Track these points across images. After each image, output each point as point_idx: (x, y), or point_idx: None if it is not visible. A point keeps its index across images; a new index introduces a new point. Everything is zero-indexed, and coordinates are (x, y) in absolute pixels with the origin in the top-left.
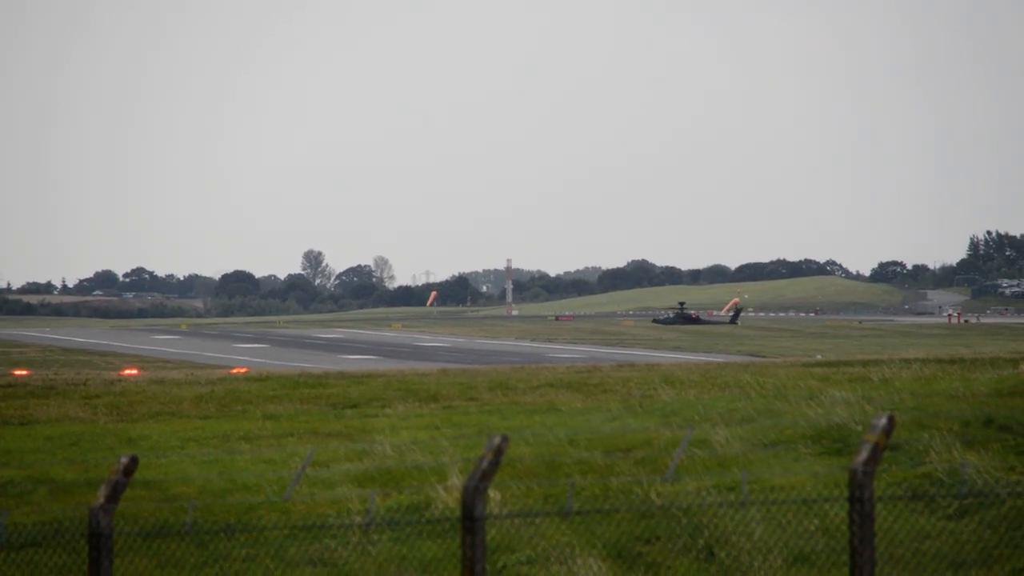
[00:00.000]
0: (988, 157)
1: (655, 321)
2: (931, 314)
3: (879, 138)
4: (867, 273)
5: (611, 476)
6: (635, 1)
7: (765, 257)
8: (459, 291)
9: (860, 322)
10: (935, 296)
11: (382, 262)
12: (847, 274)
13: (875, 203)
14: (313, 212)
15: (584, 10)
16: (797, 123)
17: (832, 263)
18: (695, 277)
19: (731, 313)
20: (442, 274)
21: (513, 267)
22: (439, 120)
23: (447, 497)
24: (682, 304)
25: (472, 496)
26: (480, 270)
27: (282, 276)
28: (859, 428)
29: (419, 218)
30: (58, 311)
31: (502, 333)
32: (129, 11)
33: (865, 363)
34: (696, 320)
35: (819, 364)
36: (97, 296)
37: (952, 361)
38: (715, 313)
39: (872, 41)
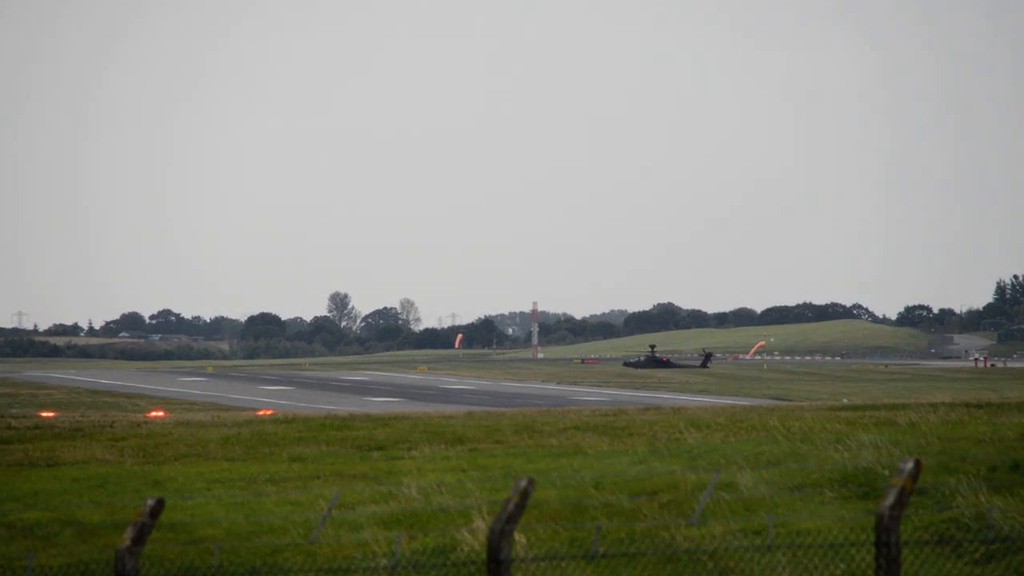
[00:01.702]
0: (1015, 201)
1: (625, 364)
2: (957, 358)
3: (906, 182)
4: (893, 317)
5: (637, 519)
6: (663, 34)
7: (791, 300)
8: (485, 334)
9: (886, 366)
10: (962, 340)
11: (408, 304)
12: (873, 318)
13: (902, 247)
14: (339, 254)
15: (614, 48)
16: (824, 166)
17: (858, 307)
18: (721, 320)
19: (703, 356)
20: (468, 317)
21: (539, 310)
22: (465, 163)
23: (473, 540)
24: (652, 347)
25: (498, 539)
26: (506, 312)
27: (308, 318)
28: (886, 472)
29: (445, 260)
30: (84, 353)
31: (528, 376)
32: (160, 48)
33: (892, 407)
34: (667, 363)
35: (846, 408)
36: (123, 338)
37: (979, 405)
38: (700, 354)
39: (900, 83)
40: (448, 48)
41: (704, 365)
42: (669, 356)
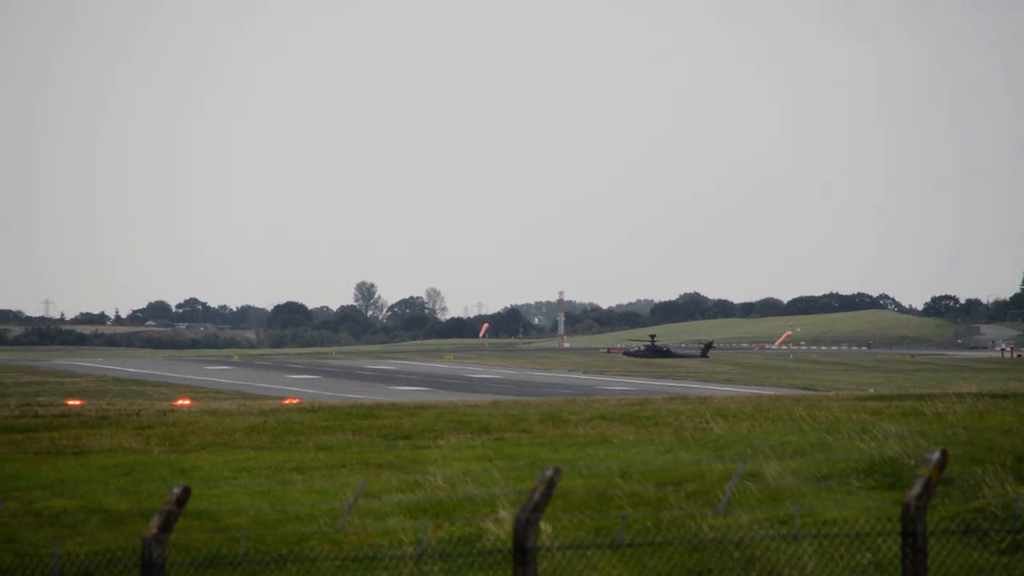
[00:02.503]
0: None
1: (626, 354)
2: (984, 348)
3: (933, 172)
4: (920, 307)
5: (663, 509)
6: (695, 39)
7: (818, 290)
8: (511, 323)
9: (912, 356)
10: (988, 330)
11: (434, 294)
12: (900, 308)
13: (928, 237)
14: (366, 244)
15: (635, 33)
16: (851, 157)
17: (885, 297)
18: (747, 310)
19: (702, 346)
20: (494, 306)
21: (565, 299)
22: (492, 153)
23: (499, 529)
24: (653, 337)
25: (524, 528)
26: (532, 302)
27: (334, 307)
28: (912, 462)
29: (472, 250)
30: (111, 341)
31: (554, 365)
32: (186, 36)
33: (918, 397)
34: (667, 353)
35: (872, 398)
36: (150, 327)
37: (1006, 396)
38: (688, 344)
39: (927, 73)
40: (473, 34)
41: (704, 355)
42: (668, 346)
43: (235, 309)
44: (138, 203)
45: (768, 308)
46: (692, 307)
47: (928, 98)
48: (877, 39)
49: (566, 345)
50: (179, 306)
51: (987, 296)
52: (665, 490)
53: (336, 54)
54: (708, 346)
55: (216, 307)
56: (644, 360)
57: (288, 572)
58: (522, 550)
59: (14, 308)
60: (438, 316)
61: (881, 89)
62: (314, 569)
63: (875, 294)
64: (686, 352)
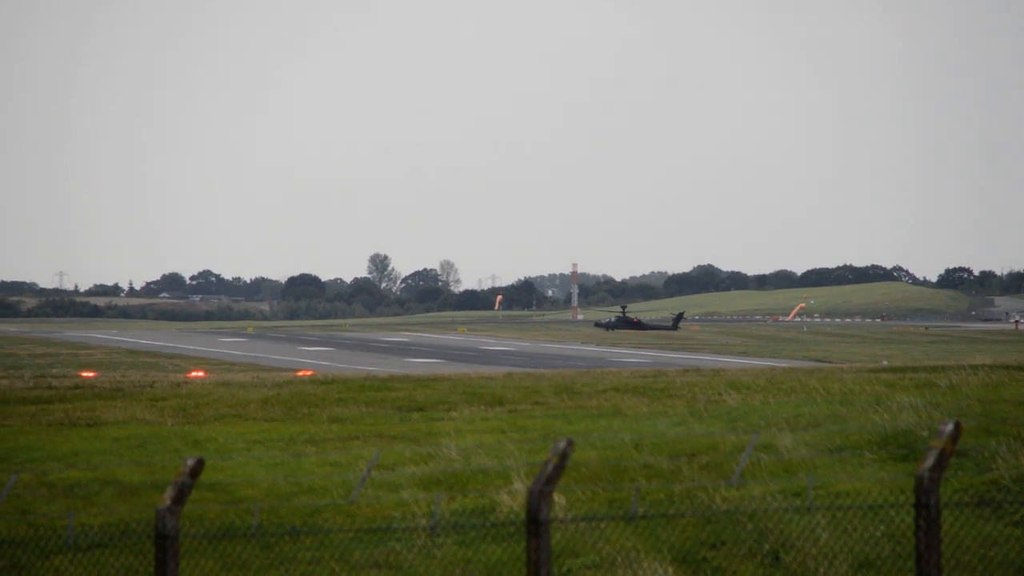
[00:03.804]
0: None
1: (596, 325)
2: (998, 320)
3: (946, 144)
4: (934, 279)
5: (676, 481)
6: (721, 13)
7: (831, 263)
8: (525, 295)
9: (926, 328)
10: (1002, 302)
11: (448, 266)
12: (914, 280)
13: (942, 209)
14: (379, 216)
15: (660, 18)
16: (863, 128)
17: (899, 269)
18: (761, 282)
19: (673, 317)
20: (508, 278)
21: (579, 271)
22: (506, 125)
23: (512, 501)
24: (624, 308)
25: (537, 500)
26: (546, 274)
27: (348, 280)
28: (925, 434)
29: (485, 222)
30: (125, 313)
31: (567, 337)
32: (206, 9)
33: (932, 369)
34: (638, 324)
35: (885, 370)
36: (164, 299)
37: (1020, 367)
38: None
39: (944, 46)
40: (488, 10)
41: (675, 326)
42: (639, 317)
43: (249, 281)
44: (152, 175)
45: (782, 280)
46: (706, 279)
47: (944, 70)
48: (896, 12)
49: (580, 317)
50: (193, 278)
51: (1001, 268)
52: (678, 462)
53: (358, 26)
54: (679, 317)
55: (230, 279)
56: (667, 332)
57: (301, 544)
58: (535, 522)
59: (28, 280)
60: (452, 288)
61: (898, 62)
62: (327, 541)
63: (889, 266)
64: (657, 323)
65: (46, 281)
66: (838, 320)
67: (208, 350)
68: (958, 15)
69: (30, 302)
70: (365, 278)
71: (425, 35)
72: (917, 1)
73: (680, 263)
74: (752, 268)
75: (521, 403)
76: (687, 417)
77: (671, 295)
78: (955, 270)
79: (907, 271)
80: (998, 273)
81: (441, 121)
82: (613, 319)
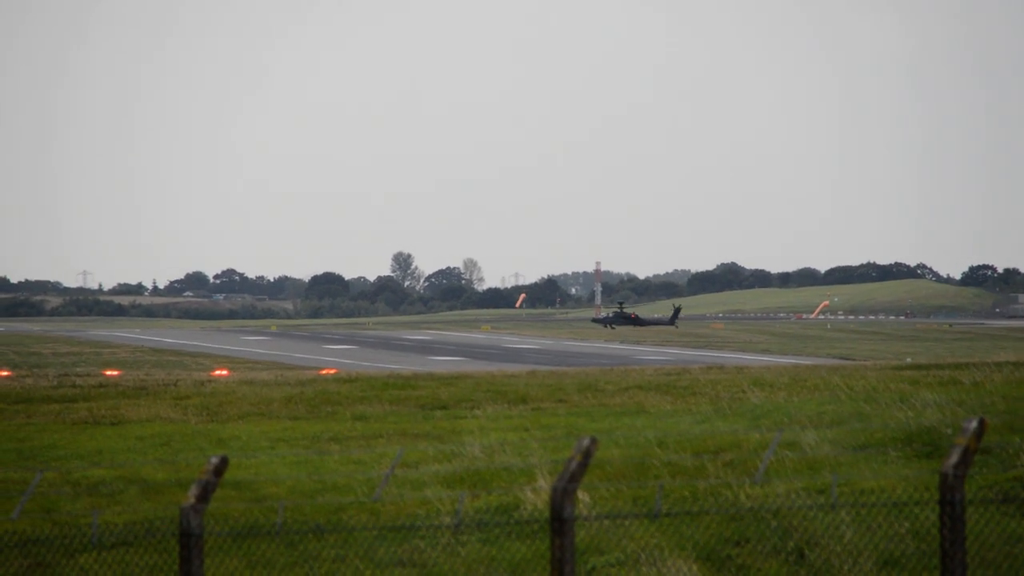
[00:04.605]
0: None
1: (593, 321)
2: (1022, 318)
3: (970, 142)
4: (958, 276)
5: (700, 478)
6: (742, 10)
7: (855, 260)
8: (548, 293)
9: (950, 325)
10: None
11: (471, 264)
12: (937, 277)
13: (966, 206)
14: (403, 215)
15: (688, 21)
16: (889, 127)
17: (922, 266)
18: (784, 280)
19: (671, 314)
20: (531, 276)
21: (602, 269)
22: (529, 124)
23: (536, 498)
24: (621, 304)
25: (561, 497)
26: (569, 272)
27: (371, 278)
28: (949, 431)
29: (509, 220)
30: (149, 312)
31: (591, 335)
32: (229, 9)
33: (956, 366)
34: (636, 320)
35: (909, 367)
36: (187, 297)
37: None
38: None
39: (964, 43)
40: (493, 6)
41: (672, 322)
42: (636, 313)
43: (272, 280)
44: (176, 174)
45: (805, 278)
46: (729, 277)
47: (966, 68)
48: (915, 10)
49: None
50: (216, 277)
51: None
52: (702, 459)
53: (375, 22)
54: (676, 312)
55: (253, 278)
56: (690, 329)
57: (326, 542)
58: (559, 520)
59: (52, 279)
60: (475, 286)
61: (919, 59)
62: (352, 539)
63: (913, 263)
64: (655, 319)
65: (70, 280)
66: (862, 317)
67: (232, 348)
68: (977, 13)
69: (54, 301)
70: (388, 276)
71: (459, 35)
72: (937, 2)
73: (704, 261)
74: (776, 266)
75: (544, 401)
76: (711, 415)
77: (694, 293)
78: (979, 267)
79: (931, 268)
80: (1022, 270)
81: (469, 120)
82: (610, 315)
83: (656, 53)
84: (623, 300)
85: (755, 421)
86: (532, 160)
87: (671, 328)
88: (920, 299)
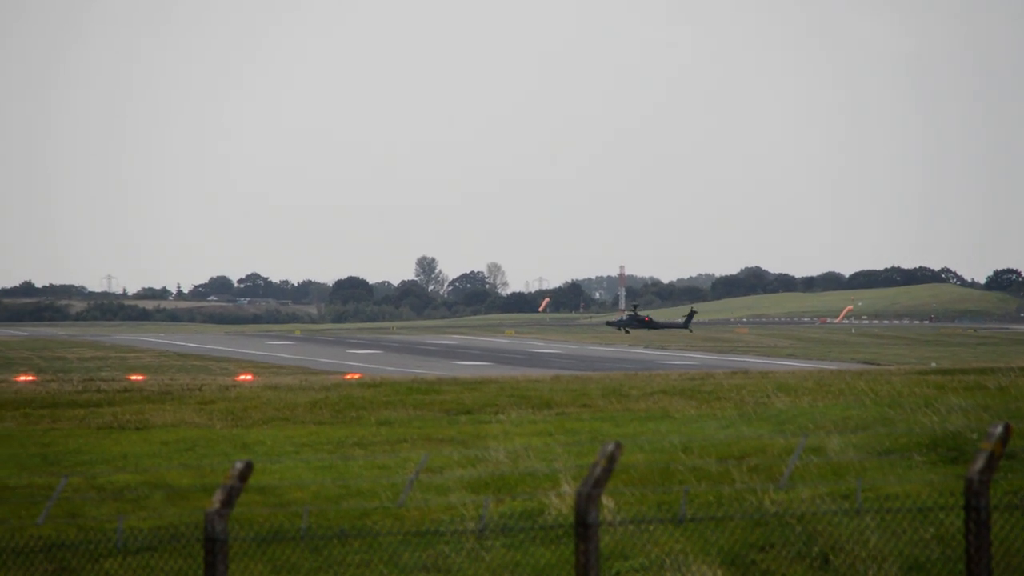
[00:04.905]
0: None
1: (608, 324)
2: None
3: (995, 146)
4: (982, 281)
5: (725, 483)
6: (760, 18)
7: (879, 264)
8: (572, 297)
9: (975, 330)
10: None
11: (495, 268)
12: (962, 282)
13: (990, 210)
14: (427, 219)
15: (709, 27)
16: (912, 130)
17: (947, 271)
18: (809, 284)
19: (685, 317)
20: (555, 280)
21: (626, 274)
22: (551, 128)
23: (560, 503)
24: (635, 306)
25: (585, 502)
26: (593, 277)
27: (395, 282)
28: (975, 436)
29: (533, 225)
30: (173, 316)
31: (615, 340)
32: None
33: (981, 371)
34: (650, 323)
35: (934, 372)
36: (212, 302)
37: None
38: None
39: (989, 43)
40: (521, 11)
41: (686, 325)
42: (650, 316)
43: (296, 284)
44: (199, 179)
45: (830, 282)
46: (753, 281)
47: (991, 69)
48: (937, 10)
49: None
50: (241, 281)
51: None
52: (727, 464)
53: (416, 27)
54: (690, 316)
55: (278, 282)
56: (714, 333)
57: (350, 547)
58: (584, 525)
59: (77, 283)
60: (499, 291)
61: (944, 61)
62: (376, 544)
63: (937, 267)
64: (669, 322)
65: (95, 284)
66: (886, 322)
67: (256, 353)
68: (1004, 10)
69: (79, 305)
70: (412, 281)
71: (485, 40)
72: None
73: (728, 265)
74: (800, 270)
75: (569, 406)
76: (736, 420)
77: (719, 297)
78: (1003, 271)
79: (955, 272)
80: None
81: (494, 126)
82: (624, 317)
83: (680, 56)
84: (647, 304)
85: (780, 426)
86: (557, 164)
87: (688, 332)
88: (944, 303)
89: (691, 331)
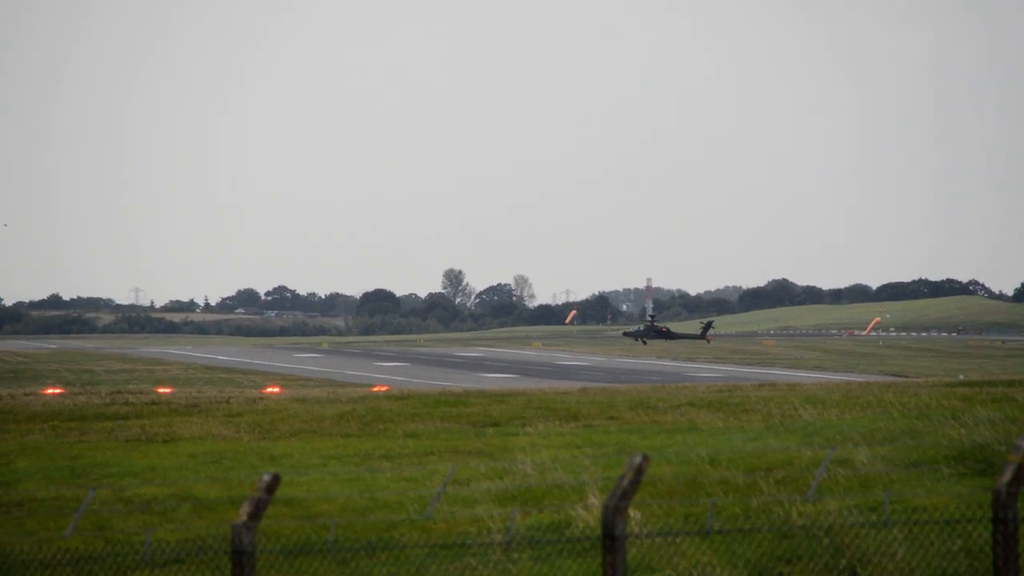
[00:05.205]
0: None
1: (625, 334)
2: None
3: (1021, 158)
4: (1010, 293)
5: (752, 496)
6: (774, 25)
7: (907, 276)
8: (599, 310)
9: (1003, 342)
10: None
11: (522, 281)
12: (990, 294)
13: (1019, 222)
14: (453, 231)
15: (721, 25)
16: (939, 143)
17: (975, 283)
18: (836, 296)
19: (702, 327)
20: (582, 293)
21: (653, 286)
22: (581, 140)
23: (587, 516)
24: (652, 317)
25: (612, 515)
26: (620, 289)
27: (422, 295)
28: (1003, 449)
29: (559, 237)
30: (200, 329)
31: (642, 352)
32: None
33: (1009, 383)
34: (667, 333)
35: (962, 384)
36: (239, 314)
37: None
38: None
39: (1013, 51)
40: (556, 14)
41: (703, 336)
42: (668, 327)
43: (324, 297)
44: (227, 192)
45: (857, 294)
46: (780, 293)
47: (1018, 80)
48: (965, 22)
49: None
50: (268, 294)
51: None
52: (754, 477)
53: (440, 38)
54: (707, 326)
55: (305, 295)
56: (741, 346)
57: (377, 559)
58: (611, 537)
59: (105, 296)
60: (526, 303)
61: (968, 72)
62: (403, 556)
63: (965, 280)
64: (686, 333)
65: (122, 297)
66: (914, 334)
67: (284, 366)
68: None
69: (107, 318)
70: (440, 293)
71: (510, 50)
72: (987, 12)
73: (755, 277)
74: (827, 282)
75: (596, 418)
76: (763, 432)
77: (746, 309)
78: None
79: (983, 285)
80: None
81: (515, 138)
82: (641, 328)
83: (706, 67)
84: (674, 316)
85: (807, 438)
86: (583, 176)
87: (705, 342)
88: (972, 315)
89: (708, 342)
